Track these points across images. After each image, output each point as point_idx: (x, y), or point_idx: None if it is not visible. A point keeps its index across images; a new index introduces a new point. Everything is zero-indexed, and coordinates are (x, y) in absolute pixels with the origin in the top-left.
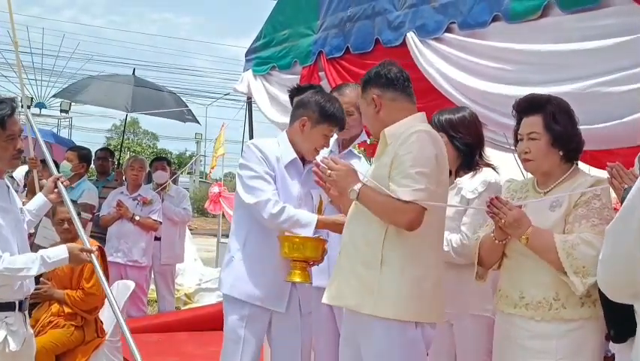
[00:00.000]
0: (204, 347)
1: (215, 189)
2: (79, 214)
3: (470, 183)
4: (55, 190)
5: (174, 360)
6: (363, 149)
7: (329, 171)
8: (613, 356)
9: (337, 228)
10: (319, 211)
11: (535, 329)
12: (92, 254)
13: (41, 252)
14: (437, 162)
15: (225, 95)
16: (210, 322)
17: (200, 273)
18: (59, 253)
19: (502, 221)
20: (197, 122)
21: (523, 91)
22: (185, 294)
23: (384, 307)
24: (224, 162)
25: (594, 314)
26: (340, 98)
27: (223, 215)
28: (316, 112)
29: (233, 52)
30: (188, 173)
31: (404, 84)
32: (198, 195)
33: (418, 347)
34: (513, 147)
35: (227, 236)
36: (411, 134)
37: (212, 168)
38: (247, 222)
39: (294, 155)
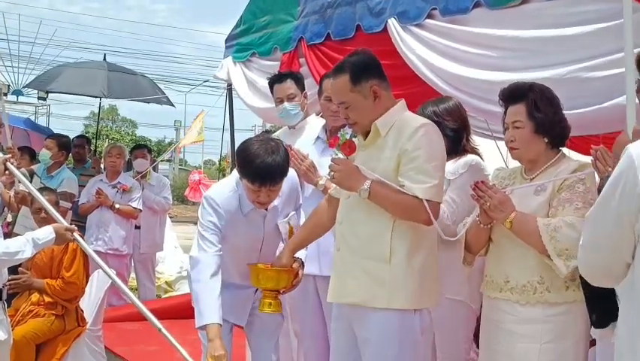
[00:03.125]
0: (186, 335)
1: (195, 177)
2: (57, 203)
3: (453, 166)
4: (7, 172)
5: (156, 348)
6: (340, 150)
7: (332, 173)
8: (594, 341)
9: None
10: (291, 235)
11: (520, 313)
12: (75, 233)
13: (29, 234)
14: (443, 154)
15: (204, 82)
16: (192, 309)
17: (181, 261)
18: (46, 233)
19: (487, 204)
20: (172, 104)
21: (504, 77)
22: (166, 282)
23: (398, 299)
24: (204, 150)
25: (579, 298)
26: None
27: None
28: (237, 163)
29: (212, 38)
30: (167, 160)
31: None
32: (178, 183)
33: (415, 333)
34: (494, 134)
35: None
36: (417, 128)
37: (179, 148)
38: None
39: (251, 206)
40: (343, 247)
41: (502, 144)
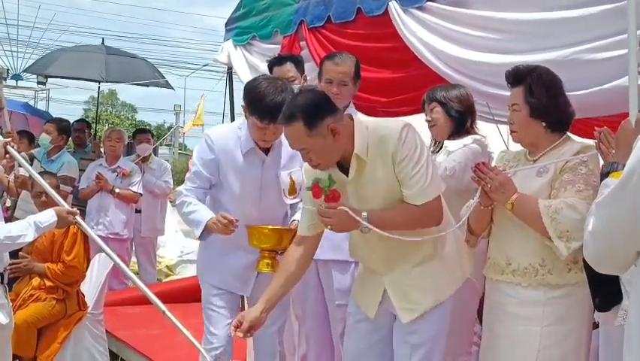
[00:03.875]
0: (187, 319)
1: None
2: (57, 187)
3: (456, 143)
4: (7, 156)
5: (158, 333)
6: (324, 203)
7: (327, 219)
8: (597, 324)
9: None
10: (292, 191)
11: (522, 295)
12: (77, 216)
13: (31, 218)
14: (423, 143)
15: (204, 66)
16: (193, 293)
17: (182, 245)
18: (48, 217)
19: (488, 186)
20: (171, 87)
21: (506, 59)
22: (167, 266)
23: (442, 293)
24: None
25: (581, 280)
26: (334, 68)
27: None
28: (245, 101)
29: (210, 22)
30: (167, 145)
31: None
32: (178, 167)
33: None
34: (495, 117)
35: None
36: (400, 134)
37: (185, 131)
38: (211, 206)
39: (252, 145)
40: (388, 268)
41: (503, 127)
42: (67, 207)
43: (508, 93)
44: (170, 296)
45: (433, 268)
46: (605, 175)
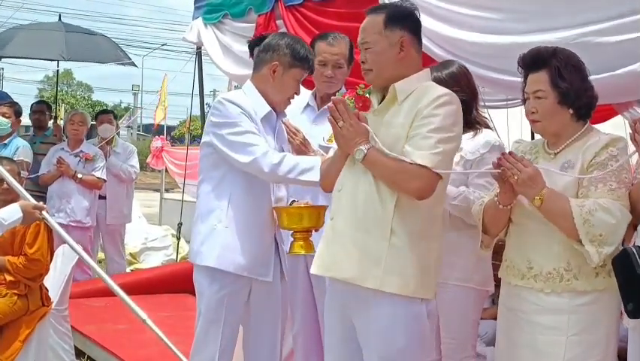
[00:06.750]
0: (156, 312)
1: (157, 143)
2: (18, 174)
3: (471, 144)
4: None
5: (125, 327)
6: (352, 98)
7: (341, 122)
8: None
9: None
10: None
11: (544, 302)
12: (44, 211)
13: None
14: (459, 129)
15: (162, 45)
16: (162, 284)
17: (146, 231)
18: (13, 213)
19: (515, 178)
20: (135, 65)
21: (504, 40)
22: (130, 253)
23: (391, 282)
24: (167, 115)
25: (609, 285)
26: (329, 49)
27: (166, 170)
28: (288, 55)
29: (169, 1)
30: (127, 126)
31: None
32: (138, 149)
33: (423, 322)
34: (487, 103)
35: (167, 191)
36: (440, 96)
37: (162, 119)
38: (229, 185)
39: (268, 107)
40: (338, 217)
41: (494, 113)
42: (32, 200)
43: (506, 77)
44: (138, 287)
45: (376, 246)
46: None
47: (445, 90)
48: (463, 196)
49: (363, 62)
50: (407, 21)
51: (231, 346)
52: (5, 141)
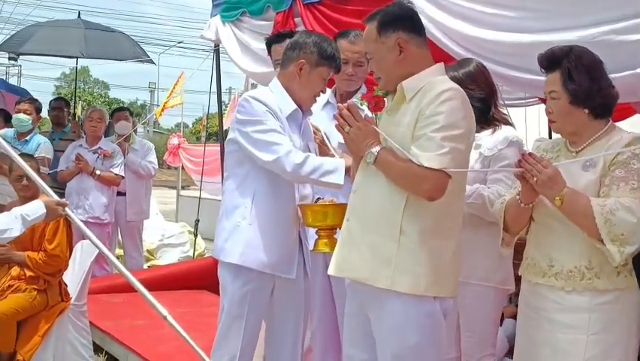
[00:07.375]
0: (174, 308)
1: (174, 141)
2: (38, 170)
3: (490, 141)
4: None
5: (143, 323)
6: (365, 100)
7: (347, 128)
8: None
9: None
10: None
11: (565, 300)
12: (67, 208)
13: (18, 210)
14: (467, 123)
15: (179, 43)
16: (179, 280)
17: (163, 228)
18: (37, 209)
19: (535, 179)
20: (153, 62)
21: (523, 39)
22: (148, 250)
23: (402, 282)
24: (183, 112)
25: (631, 284)
26: (350, 47)
27: (182, 167)
28: (315, 53)
29: None
30: (142, 123)
31: (424, 30)
32: (155, 146)
33: (436, 321)
34: (505, 102)
35: (184, 189)
36: (441, 92)
37: (159, 115)
38: (253, 182)
39: (294, 105)
40: (353, 219)
41: (512, 111)
42: (55, 196)
43: (526, 76)
44: (156, 283)
45: (386, 247)
46: None
47: (448, 85)
48: (477, 193)
49: (371, 73)
50: (399, 22)
51: (253, 342)
52: (27, 138)
